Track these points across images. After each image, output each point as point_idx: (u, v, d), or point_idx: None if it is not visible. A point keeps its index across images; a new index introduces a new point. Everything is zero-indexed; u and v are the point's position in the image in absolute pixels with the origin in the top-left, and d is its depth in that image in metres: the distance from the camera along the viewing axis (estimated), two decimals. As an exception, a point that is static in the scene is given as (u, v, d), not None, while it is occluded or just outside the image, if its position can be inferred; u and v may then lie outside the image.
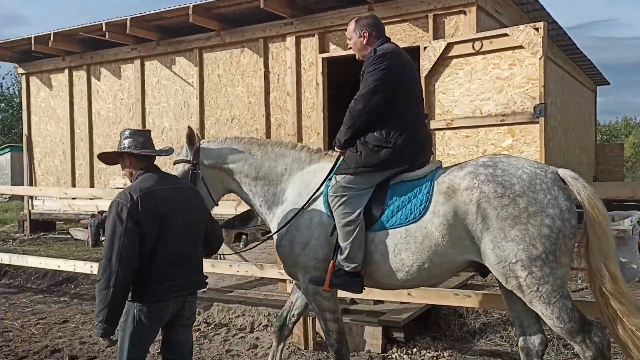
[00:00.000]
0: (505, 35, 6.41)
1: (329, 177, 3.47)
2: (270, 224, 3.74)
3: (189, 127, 3.86)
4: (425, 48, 7.25)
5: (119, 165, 3.29)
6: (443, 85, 6.94)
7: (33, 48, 10.76)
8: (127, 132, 3.16)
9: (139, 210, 2.88)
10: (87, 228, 10.14)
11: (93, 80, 11.13)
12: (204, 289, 3.24)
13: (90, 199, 9.73)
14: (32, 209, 11.75)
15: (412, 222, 3.17)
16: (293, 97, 8.94)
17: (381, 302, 4.97)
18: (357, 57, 3.59)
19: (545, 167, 3.13)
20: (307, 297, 3.56)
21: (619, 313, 2.93)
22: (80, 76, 11.30)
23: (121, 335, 2.93)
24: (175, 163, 3.86)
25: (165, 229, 2.95)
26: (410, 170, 3.33)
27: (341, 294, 3.69)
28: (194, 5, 8.81)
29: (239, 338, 5.07)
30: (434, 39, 7.56)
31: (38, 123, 11.99)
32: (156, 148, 3.26)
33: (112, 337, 2.87)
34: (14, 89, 28.97)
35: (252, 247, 5.08)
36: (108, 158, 3.33)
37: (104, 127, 11.03)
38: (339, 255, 3.30)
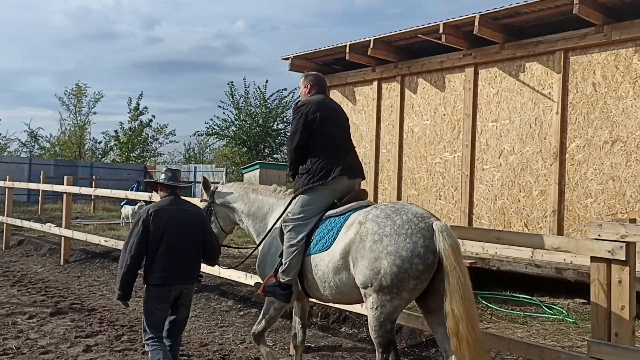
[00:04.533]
0: None
1: (285, 211, 4.51)
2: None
3: (204, 178, 5.35)
4: None
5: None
6: None
7: (347, 57, 9.75)
8: (164, 169, 4.63)
9: (150, 221, 4.21)
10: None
11: (407, 92, 9.74)
12: (197, 282, 4.51)
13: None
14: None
15: (325, 250, 4.04)
16: None
17: None
18: None
19: (425, 218, 3.71)
20: (266, 300, 4.61)
21: (453, 348, 3.48)
22: (391, 88, 10.01)
23: (143, 310, 4.29)
24: (201, 201, 5.19)
25: (167, 235, 4.23)
26: (337, 208, 4.19)
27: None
28: (581, -8, 6.76)
29: None
30: None
31: (336, 140, 11.01)
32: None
33: (125, 302, 4.25)
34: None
35: (240, 264, 5.85)
36: (152, 185, 4.84)
37: (418, 146, 9.52)
38: (279, 269, 4.25)
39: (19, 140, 38.80)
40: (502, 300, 7.76)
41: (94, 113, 39.13)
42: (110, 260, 10.17)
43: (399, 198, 9.72)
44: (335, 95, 11.05)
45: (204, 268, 7.51)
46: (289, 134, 4.45)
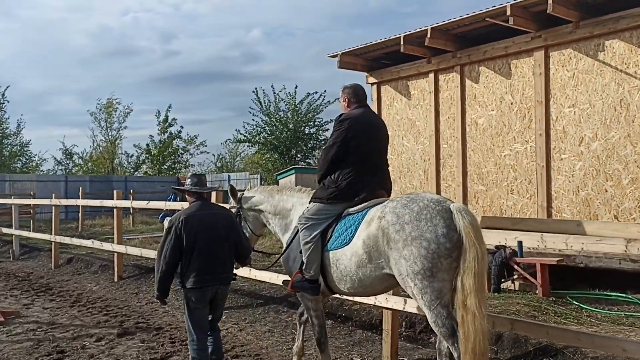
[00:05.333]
0: None
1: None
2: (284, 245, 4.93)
3: (231, 185, 5.50)
4: None
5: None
6: None
7: (402, 49, 9.24)
8: (189, 175, 4.84)
9: (182, 228, 4.42)
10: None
11: (468, 82, 9.18)
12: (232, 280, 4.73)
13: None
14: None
15: (346, 245, 4.18)
16: None
17: None
18: None
19: (441, 202, 3.83)
20: (299, 297, 4.82)
21: (460, 320, 3.61)
22: (449, 79, 9.47)
23: (184, 311, 4.59)
24: (230, 208, 5.48)
25: (199, 239, 4.44)
26: (355, 206, 4.32)
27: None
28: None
29: None
30: None
31: (391, 138, 10.43)
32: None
33: (163, 300, 4.53)
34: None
35: (273, 264, 5.72)
36: (180, 192, 5.29)
37: (484, 139, 8.95)
38: (303, 267, 4.42)
39: (55, 158, 39.07)
40: (594, 299, 7.14)
41: (125, 127, 39.16)
42: (165, 275, 9.82)
43: (464, 195, 9.17)
44: (387, 90, 10.56)
45: (276, 280, 7.14)
46: (326, 144, 4.59)
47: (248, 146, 34.56)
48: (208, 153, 64.53)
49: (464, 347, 3.57)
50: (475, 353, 3.52)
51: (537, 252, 7.84)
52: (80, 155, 40.20)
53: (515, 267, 7.57)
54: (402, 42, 9.18)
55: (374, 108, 10.80)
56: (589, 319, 6.28)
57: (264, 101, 29.97)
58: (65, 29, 78.83)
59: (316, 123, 30.54)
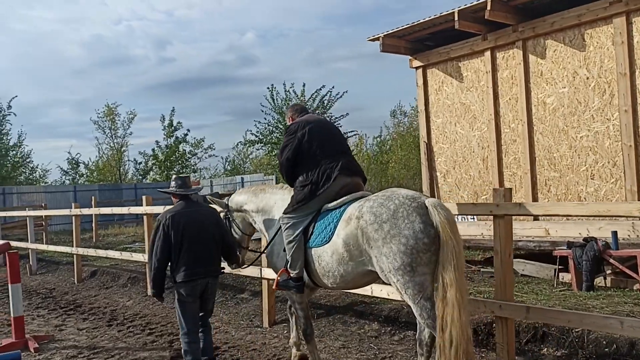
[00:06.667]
0: None
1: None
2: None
3: (216, 192, 5.65)
4: None
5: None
6: None
7: (457, 26, 8.38)
8: (173, 177, 5.01)
9: (169, 224, 4.60)
10: (556, 262, 7.18)
11: (532, 59, 8.30)
12: (220, 274, 4.86)
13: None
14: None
15: (326, 243, 4.28)
16: None
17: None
18: None
19: (416, 198, 3.95)
20: (284, 291, 4.88)
21: (439, 313, 3.69)
22: (508, 57, 8.59)
23: (176, 306, 4.72)
24: (220, 212, 5.34)
25: (186, 235, 4.60)
26: (333, 201, 4.41)
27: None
28: None
29: None
30: None
31: (442, 126, 9.62)
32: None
33: (161, 297, 4.69)
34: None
35: (254, 261, 5.66)
36: (165, 193, 5.19)
37: (554, 120, 8.07)
38: (288, 265, 4.56)
39: (61, 168, 38.04)
40: None
41: (130, 134, 38.23)
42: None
43: (533, 183, 8.29)
44: (435, 74, 9.69)
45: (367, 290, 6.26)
46: (280, 146, 4.83)
47: (258, 148, 33.62)
48: (216, 157, 63.51)
49: (440, 338, 3.65)
50: (451, 343, 3.60)
51: (627, 243, 6.98)
52: (86, 164, 39.32)
53: (611, 260, 6.69)
54: (456, 18, 8.32)
55: (420, 93, 9.94)
56: None
57: (277, 99, 29.17)
58: (58, 41, 77.48)
59: (328, 118, 29.75)
